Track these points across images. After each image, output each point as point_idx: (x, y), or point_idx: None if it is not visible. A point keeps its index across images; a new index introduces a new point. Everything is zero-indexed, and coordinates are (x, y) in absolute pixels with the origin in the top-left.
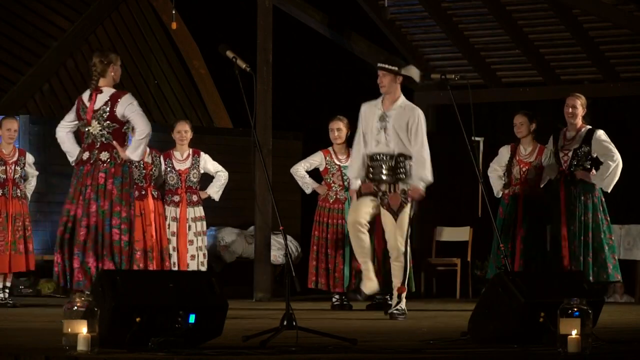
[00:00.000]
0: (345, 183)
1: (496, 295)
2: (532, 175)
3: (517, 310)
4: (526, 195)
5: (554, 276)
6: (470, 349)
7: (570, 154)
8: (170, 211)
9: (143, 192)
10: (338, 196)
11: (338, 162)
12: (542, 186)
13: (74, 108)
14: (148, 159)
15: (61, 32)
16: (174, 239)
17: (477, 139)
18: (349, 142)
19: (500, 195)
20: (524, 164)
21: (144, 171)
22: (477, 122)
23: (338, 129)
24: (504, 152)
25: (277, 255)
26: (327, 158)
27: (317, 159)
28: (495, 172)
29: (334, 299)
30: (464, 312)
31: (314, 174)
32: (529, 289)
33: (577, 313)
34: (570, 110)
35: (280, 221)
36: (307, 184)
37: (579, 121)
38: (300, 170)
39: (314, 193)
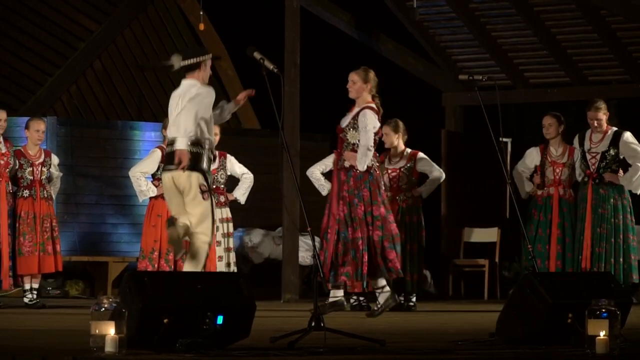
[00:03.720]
0: None
1: (524, 296)
2: (565, 176)
3: (545, 311)
4: (560, 197)
5: (582, 277)
6: (498, 349)
7: (598, 156)
8: None
9: None
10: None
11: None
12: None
13: None
14: None
15: (88, 33)
16: None
17: (504, 139)
18: None
19: (527, 197)
20: (557, 165)
21: None
22: (504, 123)
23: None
24: (533, 154)
25: (305, 256)
26: None
27: (331, 161)
28: (522, 174)
29: (352, 300)
30: (491, 313)
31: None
32: (557, 289)
33: (605, 314)
34: (596, 123)
35: (308, 222)
36: (323, 186)
37: (604, 125)
38: (315, 173)
39: None
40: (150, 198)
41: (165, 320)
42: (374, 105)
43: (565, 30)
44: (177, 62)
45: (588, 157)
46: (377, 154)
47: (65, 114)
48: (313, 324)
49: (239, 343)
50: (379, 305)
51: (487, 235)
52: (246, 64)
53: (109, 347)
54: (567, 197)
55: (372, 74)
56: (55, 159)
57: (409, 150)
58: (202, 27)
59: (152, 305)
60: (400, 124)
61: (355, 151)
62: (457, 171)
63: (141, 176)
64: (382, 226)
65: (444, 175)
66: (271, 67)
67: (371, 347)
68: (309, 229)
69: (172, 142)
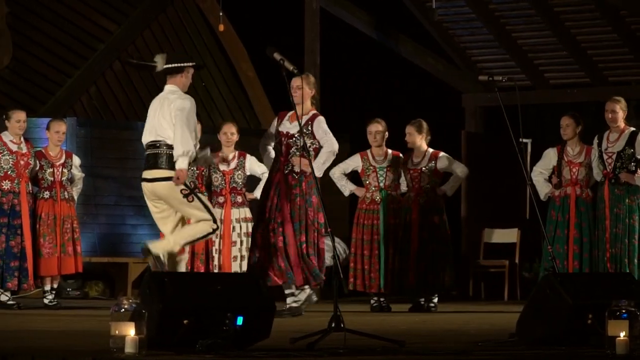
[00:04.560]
0: (382, 184)
1: (544, 297)
2: (582, 176)
3: (565, 311)
4: (577, 196)
5: (602, 277)
6: (518, 350)
7: (614, 156)
8: (216, 212)
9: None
10: (374, 197)
11: (374, 164)
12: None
13: None
14: None
15: (108, 34)
16: (217, 241)
17: (524, 140)
18: (387, 144)
19: (546, 199)
20: (574, 165)
21: (197, 172)
22: (524, 123)
23: (376, 131)
24: (551, 154)
25: (325, 257)
26: (364, 160)
27: (354, 162)
28: (541, 176)
29: (372, 301)
30: (512, 313)
31: (355, 176)
32: (577, 290)
33: (625, 315)
34: (610, 115)
35: (328, 223)
36: (345, 187)
37: (621, 123)
38: (337, 173)
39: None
40: None
41: (185, 321)
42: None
43: (585, 31)
44: (160, 63)
45: (605, 156)
46: (400, 155)
47: (85, 114)
48: (333, 324)
49: (258, 344)
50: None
51: (507, 236)
52: (266, 65)
53: (129, 348)
54: (585, 196)
55: (313, 80)
56: (76, 160)
57: (430, 150)
58: (221, 28)
59: (172, 306)
60: (424, 124)
61: (307, 157)
62: (477, 172)
63: None
64: (316, 231)
65: (467, 171)
66: (291, 67)
67: (391, 347)
68: (329, 229)
69: (150, 146)
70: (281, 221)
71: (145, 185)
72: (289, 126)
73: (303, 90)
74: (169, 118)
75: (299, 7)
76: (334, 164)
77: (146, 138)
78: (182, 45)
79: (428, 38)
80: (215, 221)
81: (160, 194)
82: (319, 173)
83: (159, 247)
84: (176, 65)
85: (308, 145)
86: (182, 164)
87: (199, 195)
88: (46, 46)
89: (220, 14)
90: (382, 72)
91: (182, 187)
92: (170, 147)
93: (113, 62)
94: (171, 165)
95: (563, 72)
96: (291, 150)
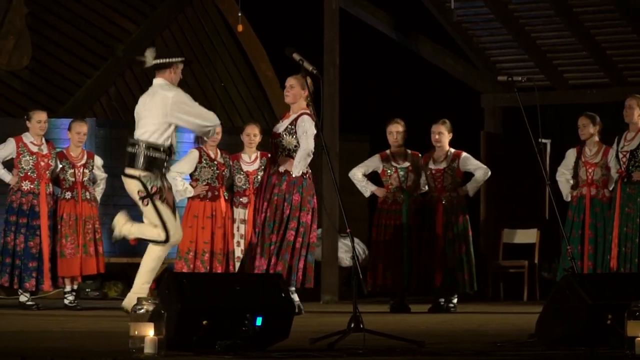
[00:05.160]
0: (403, 185)
1: (563, 298)
2: (598, 177)
3: (584, 312)
4: (592, 197)
5: (622, 278)
6: (538, 351)
7: (628, 155)
8: (239, 213)
9: (216, 193)
10: (396, 198)
11: (395, 164)
12: (611, 189)
13: None
14: (221, 160)
15: (127, 34)
16: (243, 242)
17: (543, 141)
18: (407, 145)
19: (569, 199)
20: (590, 165)
21: (217, 171)
22: (543, 124)
23: (396, 131)
24: (570, 154)
25: (344, 257)
26: (385, 160)
27: (374, 163)
28: (563, 176)
29: (392, 301)
30: (531, 314)
31: (374, 176)
32: (596, 291)
33: None
34: (626, 111)
35: (348, 223)
36: (366, 188)
37: (638, 121)
38: (357, 174)
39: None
40: (188, 199)
41: (204, 322)
42: (309, 111)
43: (605, 31)
44: (150, 58)
45: (620, 155)
46: (420, 155)
47: (104, 115)
48: (352, 325)
49: (278, 344)
50: None
51: (526, 236)
52: (285, 65)
53: (148, 349)
54: (600, 197)
55: (309, 81)
56: (98, 161)
57: (452, 150)
58: (240, 28)
59: (191, 306)
60: (449, 124)
61: (291, 157)
62: (497, 172)
63: (177, 176)
64: (304, 233)
65: (489, 172)
66: (310, 68)
67: (410, 348)
68: (348, 230)
69: (132, 144)
70: (261, 222)
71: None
72: (278, 126)
73: (294, 89)
74: (157, 112)
75: (318, 7)
76: (352, 165)
77: (135, 134)
78: (201, 45)
79: (447, 38)
80: (167, 233)
81: (128, 191)
82: (296, 172)
83: (123, 228)
84: (165, 60)
85: (294, 145)
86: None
87: (157, 202)
88: (66, 47)
89: (239, 14)
90: (401, 72)
91: (140, 188)
92: (149, 146)
93: (132, 62)
94: (146, 165)
95: (582, 73)
96: (278, 150)
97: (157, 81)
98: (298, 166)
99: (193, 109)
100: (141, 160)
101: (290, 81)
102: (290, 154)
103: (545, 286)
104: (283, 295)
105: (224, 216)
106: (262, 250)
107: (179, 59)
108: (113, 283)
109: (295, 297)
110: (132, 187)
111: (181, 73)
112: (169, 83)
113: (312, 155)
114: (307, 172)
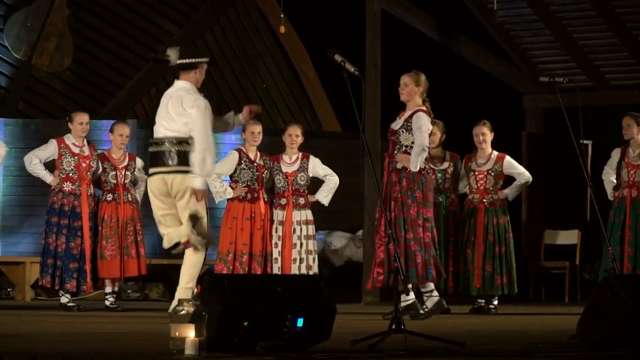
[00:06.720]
0: (440, 187)
1: (605, 299)
2: (639, 178)
3: (625, 313)
4: (633, 199)
5: None
6: (579, 352)
7: None
8: (277, 214)
9: (255, 195)
10: (434, 199)
11: (432, 166)
12: None
13: None
14: (260, 161)
15: (169, 36)
16: (280, 243)
17: (585, 142)
18: (444, 146)
19: (612, 199)
20: (632, 167)
21: (257, 173)
22: (585, 125)
23: (433, 133)
24: (615, 154)
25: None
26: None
27: None
28: (608, 176)
29: None
30: (572, 315)
31: None
32: (637, 292)
33: None
34: None
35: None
36: None
37: None
38: None
39: None
40: (228, 200)
41: (245, 323)
42: (425, 108)
43: None
44: (173, 57)
45: None
46: (459, 157)
47: (146, 116)
48: (394, 326)
49: (319, 346)
50: (426, 309)
51: (568, 237)
52: (327, 66)
53: (189, 350)
54: None
55: (423, 78)
56: (139, 162)
57: (495, 152)
58: (282, 29)
59: (232, 308)
60: (489, 124)
61: (408, 153)
62: (538, 173)
63: (217, 178)
64: (431, 228)
65: (531, 179)
66: (352, 69)
67: (452, 349)
68: (389, 232)
69: (157, 142)
70: (393, 220)
71: (156, 180)
72: (394, 123)
73: (409, 87)
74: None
75: (360, 8)
76: None
77: (159, 132)
78: (243, 46)
79: (489, 40)
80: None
81: (177, 187)
82: (413, 168)
83: (179, 235)
84: (191, 61)
85: (411, 141)
86: (200, 184)
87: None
88: (107, 48)
89: (281, 15)
90: (443, 73)
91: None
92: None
93: None
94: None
95: (624, 73)
96: (396, 147)
97: (182, 84)
98: (414, 162)
99: (205, 131)
100: (189, 157)
101: (404, 79)
102: (407, 150)
103: (586, 287)
104: (324, 296)
105: (263, 218)
106: (395, 248)
107: (205, 60)
108: (154, 284)
109: (435, 293)
110: (189, 182)
111: (213, 74)
112: (194, 86)
113: (427, 150)
114: (424, 167)
